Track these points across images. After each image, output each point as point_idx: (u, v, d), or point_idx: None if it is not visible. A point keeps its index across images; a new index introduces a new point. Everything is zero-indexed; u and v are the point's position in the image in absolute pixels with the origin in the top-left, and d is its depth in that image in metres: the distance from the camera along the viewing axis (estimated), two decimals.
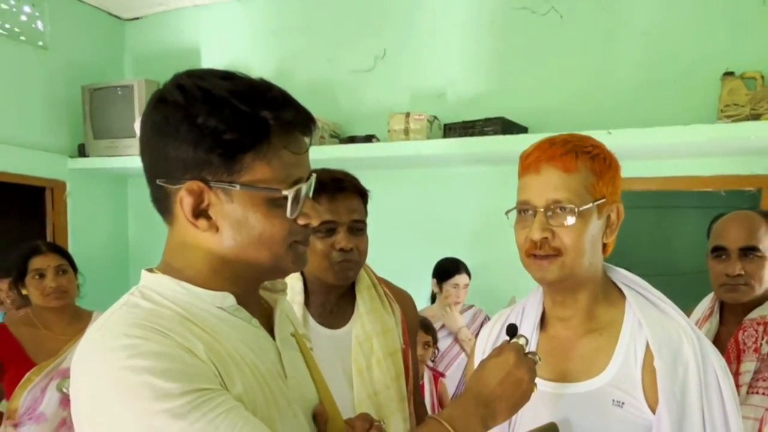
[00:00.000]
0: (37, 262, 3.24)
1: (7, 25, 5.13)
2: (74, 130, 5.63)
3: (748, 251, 2.45)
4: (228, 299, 1.30)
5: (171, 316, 1.22)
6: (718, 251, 2.53)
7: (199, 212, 1.23)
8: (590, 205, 1.57)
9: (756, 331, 2.42)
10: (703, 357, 1.57)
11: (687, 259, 4.97)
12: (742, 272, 2.45)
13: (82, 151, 5.61)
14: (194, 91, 1.20)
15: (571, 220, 1.56)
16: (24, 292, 3.30)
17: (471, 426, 1.34)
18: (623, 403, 1.58)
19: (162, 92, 1.25)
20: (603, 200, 1.60)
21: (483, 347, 1.90)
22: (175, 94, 1.21)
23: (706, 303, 2.72)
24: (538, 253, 1.60)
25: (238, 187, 1.21)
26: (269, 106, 1.22)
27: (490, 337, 1.90)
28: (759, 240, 2.43)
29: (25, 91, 5.31)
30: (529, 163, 1.63)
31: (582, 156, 1.58)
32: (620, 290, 1.74)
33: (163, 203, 1.30)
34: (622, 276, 1.77)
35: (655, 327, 1.61)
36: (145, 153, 1.30)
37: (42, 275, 3.23)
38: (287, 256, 1.32)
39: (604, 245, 1.69)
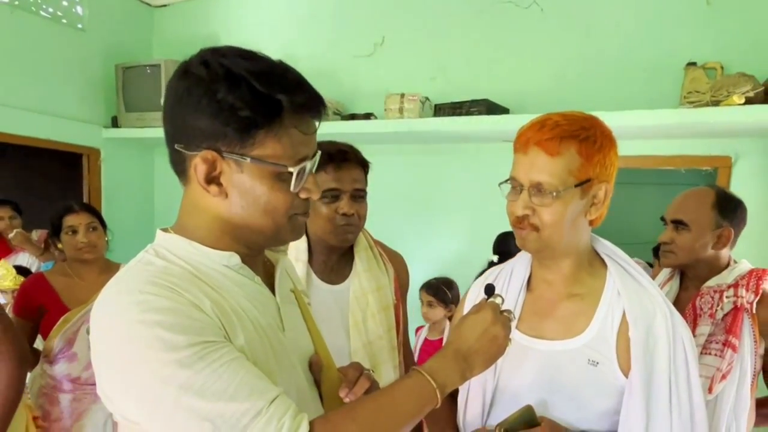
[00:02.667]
0: (70, 220, 3.23)
1: (50, 9, 5.17)
2: (108, 103, 5.69)
3: (677, 223, 2.44)
4: (233, 258, 1.29)
5: (181, 274, 1.22)
6: (663, 220, 2.52)
7: (211, 179, 1.22)
8: (570, 188, 1.52)
9: (712, 298, 2.39)
10: (674, 331, 1.56)
11: (647, 230, 4.95)
12: (670, 241, 2.45)
13: (114, 122, 5.66)
14: (216, 68, 1.18)
15: (550, 201, 1.52)
16: (59, 246, 3.29)
17: (450, 377, 1.31)
18: (598, 363, 1.56)
19: (187, 65, 1.23)
20: (588, 182, 1.53)
21: (472, 303, 1.82)
22: (199, 69, 1.19)
23: (669, 269, 2.69)
24: (520, 226, 1.58)
25: (248, 159, 1.19)
26: (284, 89, 1.19)
27: (480, 295, 1.83)
28: (686, 214, 2.41)
29: (65, 69, 5.34)
30: (521, 142, 1.59)
31: (568, 140, 1.51)
32: (602, 261, 1.71)
33: (179, 166, 1.28)
34: (607, 248, 1.74)
35: (633, 298, 1.59)
36: (167, 119, 1.27)
37: (75, 231, 3.22)
38: (287, 227, 1.31)
39: (593, 220, 1.64)
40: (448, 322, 4.24)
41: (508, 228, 1.67)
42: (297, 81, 1.24)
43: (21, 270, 4.55)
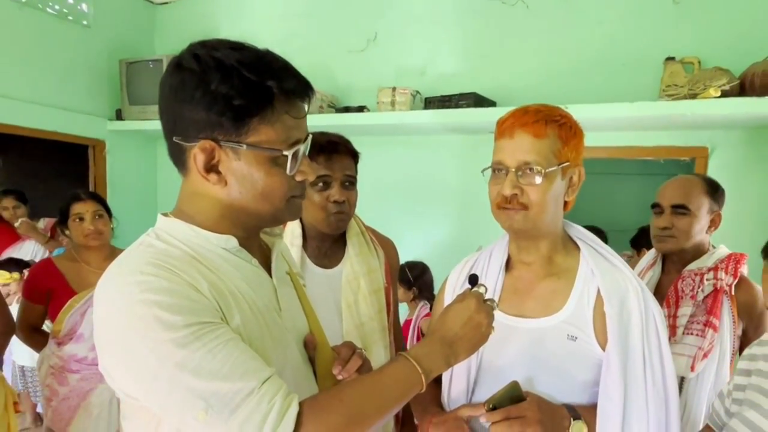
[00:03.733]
0: (77, 208, 3.25)
1: (57, 7, 5.14)
2: (112, 97, 5.66)
3: (678, 208, 2.41)
4: (231, 241, 1.29)
5: (181, 256, 1.21)
6: (655, 207, 2.49)
7: (210, 167, 1.22)
8: (555, 167, 1.55)
9: (693, 280, 2.41)
10: (645, 306, 1.58)
11: (628, 218, 4.99)
12: (670, 226, 2.41)
13: (119, 115, 5.63)
14: (208, 60, 1.17)
15: (538, 179, 1.54)
16: (66, 232, 3.31)
17: (435, 363, 1.32)
18: (576, 338, 1.58)
19: (179, 59, 1.22)
20: (567, 163, 1.58)
21: (452, 288, 1.87)
22: (191, 62, 1.19)
23: (651, 254, 2.70)
24: (508, 206, 1.59)
25: (244, 146, 1.19)
26: (273, 76, 1.19)
27: (458, 281, 1.87)
28: (689, 199, 2.39)
29: (71, 64, 5.32)
30: (504, 128, 1.60)
31: (551, 124, 1.56)
32: (575, 243, 1.72)
33: (178, 158, 1.28)
34: (578, 231, 1.75)
35: (606, 276, 1.61)
36: (163, 113, 1.27)
37: (81, 219, 3.23)
38: (285, 208, 1.31)
39: (566, 203, 1.66)
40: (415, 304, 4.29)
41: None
42: (285, 68, 1.24)
43: (17, 263, 4.59)
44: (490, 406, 1.46)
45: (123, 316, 1.11)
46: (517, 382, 1.50)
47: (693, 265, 2.44)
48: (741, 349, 2.38)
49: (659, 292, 2.51)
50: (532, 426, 1.42)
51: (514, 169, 1.56)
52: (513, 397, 1.47)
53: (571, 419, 1.50)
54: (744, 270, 2.40)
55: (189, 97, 1.17)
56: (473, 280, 1.49)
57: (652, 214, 2.54)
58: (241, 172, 1.22)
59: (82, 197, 3.30)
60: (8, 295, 4.38)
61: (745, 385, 1.59)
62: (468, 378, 1.69)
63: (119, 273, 1.18)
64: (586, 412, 1.53)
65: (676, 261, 2.53)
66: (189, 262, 1.20)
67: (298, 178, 1.30)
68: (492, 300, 1.45)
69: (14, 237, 5.06)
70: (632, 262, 3.65)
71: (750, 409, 1.50)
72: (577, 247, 1.71)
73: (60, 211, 3.30)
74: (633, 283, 1.61)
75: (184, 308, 1.11)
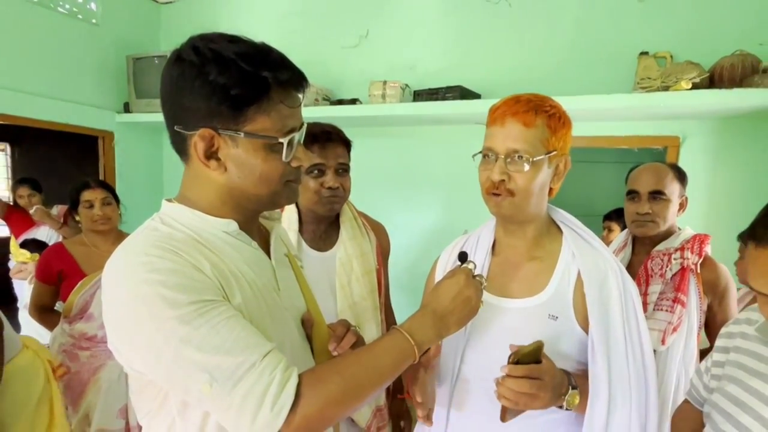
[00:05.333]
0: (87, 195, 3.25)
1: (67, 6, 5.13)
2: (120, 91, 5.65)
3: (656, 194, 2.40)
4: (232, 225, 1.29)
5: (184, 239, 1.21)
6: (632, 194, 2.49)
7: (210, 154, 1.22)
8: (543, 156, 1.53)
9: (662, 260, 2.42)
10: (624, 287, 1.58)
11: (603, 203, 5.00)
12: (650, 211, 2.40)
13: (126, 108, 5.62)
14: (206, 53, 1.16)
15: (526, 167, 1.52)
16: (77, 218, 3.31)
17: (427, 336, 1.31)
18: (557, 317, 1.57)
19: (179, 52, 1.21)
20: (554, 152, 1.55)
21: (443, 267, 1.86)
22: (190, 54, 1.18)
23: (622, 237, 2.71)
24: (496, 192, 1.57)
25: (242, 134, 1.19)
26: (269, 67, 1.19)
27: (449, 260, 1.86)
28: (664, 186, 2.39)
29: (81, 60, 5.31)
30: (496, 116, 1.57)
31: (540, 114, 1.53)
32: (559, 227, 1.71)
33: (180, 146, 1.27)
34: (562, 216, 1.73)
35: (586, 259, 1.60)
36: (165, 103, 1.26)
37: (91, 206, 3.23)
38: (282, 192, 1.30)
39: (551, 189, 1.65)
40: None
41: (480, 200, 1.65)
42: (280, 60, 1.23)
43: (38, 243, 4.62)
44: (515, 360, 1.42)
45: (129, 295, 1.11)
46: (542, 342, 1.45)
47: (661, 246, 2.46)
48: (706, 323, 2.40)
49: (630, 271, 2.50)
50: (544, 390, 1.41)
51: (503, 156, 1.54)
52: (536, 356, 1.44)
53: (570, 388, 1.49)
54: (708, 250, 2.42)
55: (189, 87, 1.16)
56: (463, 257, 1.48)
57: (627, 200, 2.52)
58: (240, 159, 1.22)
59: (91, 185, 3.29)
60: (20, 272, 4.45)
61: (723, 361, 1.58)
62: (455, 356, 1.68)
63: (126, 255, 1.18)
64: (582, 382, 1.52)
65: (646, 243, 2.54)
66: (192, 245, 1.20)
67: (294, 164, 1.29)
68: (481, 276, 1.44)
69: (30, 223, 5.11)
70: (605, 240, 3.67)
71: (730, 383, 1.49)
72: (561, 231, 1.70)
73: (70, 198, 3.29)
74: (612, 264, 1.60)
75: (188, 287, 1.11)
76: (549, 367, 1.45)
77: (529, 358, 1.43)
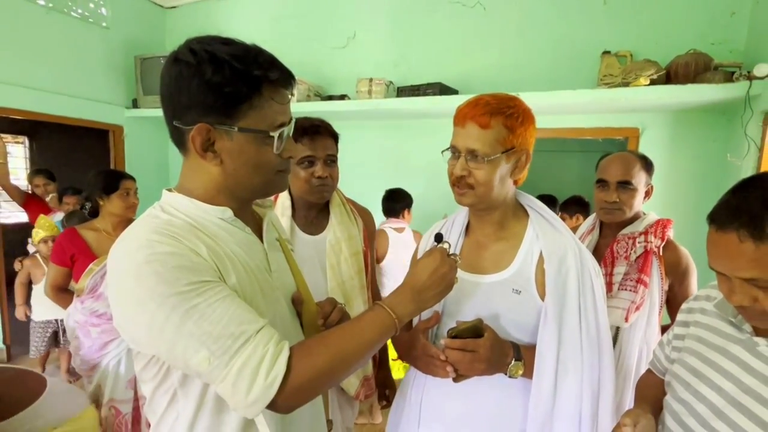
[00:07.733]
0: (127, 184, 3.23)
1: (80, 11, 5.17)
2: (129, 88, 5.67)
3: (623, 184, 2.37)
4: (227, 212, 1.27)
5: (182, 225, 1.20)
6: (601, 183, 2.44)
7: (207, 147, 1.21)
8: (499, 154, 1.54)
9: (627, 243, 2.39)
10: (582, 263, 1.59)
11: (570, 190, 5.00)
12: (617, 200, 2.38)
13: (135, 104, 5.63)
14: (202, 54, 1.15)
15: (482, 164, 1.54)
16: (101, 202, 3.23)
17: (408, 309, 1.31)
18: (520, 291, 1.59)
19: (177, 53, 1.19)
20: (512, 149, 1.55)
21: (424, 249, 1.86)
22: (187, 55, 1.16)
23: (590, 221, 2.67)
24: (458, 184, 1.60)
25: (236, 129, 1.18)
26: (260, 67, 1.17)
27: (429, 242, 1.86)
28: (632, 176, 2.36)
29: (93, 60, 5.34)
30: (458, 117, 1.58)
31: (497, 116, 1.52)
32: (525, 210, 1.71)
33: (179, 140, 1.26)
34: (529, 200, 1.73)
35: (548, 239, 1.62)
36: (164, 100, 1.23)
37: (128, 194, 3.23)
38: (273, 182, 1.30)
39: (517, 179, 1.65)
40: None
41: None
42: (270, 60, 1.21)
43: (78, 191, 4.88)
44: (453, 334, 1.47)
45: (132, 276, 1.09)
46: (481, 319, 1.50)
47: (627, 230, 2.43)
48: (667, 301, 2.39)
49: (597, 254, 2.49)
50: (479, 361, 1.45)
51: (464, 154, 1.56)
52: (475, 331, 1.48)
53: (513, 359, 1.51)
54: (670, 233, 2.40)
55: (186, 86, 1.15)
56: (438, 237, 1.48)
57: (596, 188, 2.50)
58: (234, 151, 1.21)
59: (129, 176, 3.30)
60: (37, 252, 4.45)
61: (684, 335, 1.57)
62: (432, 327, 1.68)
63: (128, 240, 1.16)
64: (528, 354, 1.54)
65: (613, 227, 2.51)
66: (189, 230, 1.19)
67: (284, 156, 1.28)
68: (455, 254, 1.43)
69: (46, 210, 5.05)
70: (571, 225, 3.66)
71: (690, 355, 1.48)
72: (527, 214, 1.71)
73: (105, 183, 3.21)
74: (572, 244, 1.60)
75: (186, 268, 1.10)
76: (488, 340, 1.48)
77: (467, 333, 1.47)
